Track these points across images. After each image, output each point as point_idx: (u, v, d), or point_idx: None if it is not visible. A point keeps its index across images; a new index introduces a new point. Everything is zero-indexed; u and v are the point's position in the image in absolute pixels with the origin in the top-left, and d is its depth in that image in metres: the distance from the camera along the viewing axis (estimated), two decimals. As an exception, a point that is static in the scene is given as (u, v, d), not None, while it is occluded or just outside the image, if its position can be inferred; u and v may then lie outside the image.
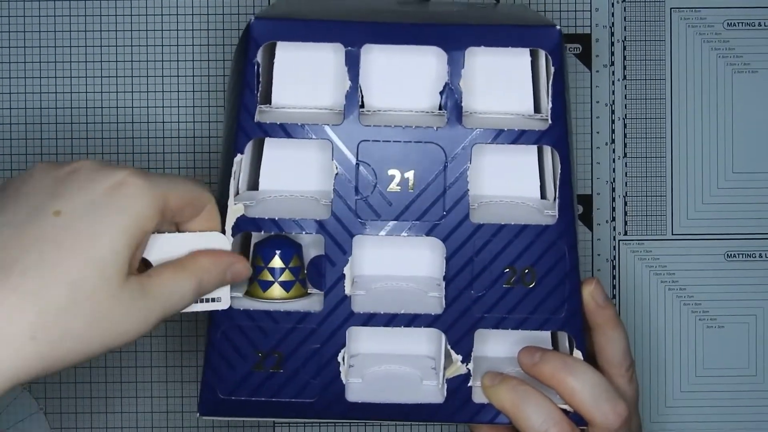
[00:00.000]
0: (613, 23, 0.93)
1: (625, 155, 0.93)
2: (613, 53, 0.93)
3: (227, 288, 0.72)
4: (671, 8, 0.93)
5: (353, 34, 0.74)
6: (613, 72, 0.93)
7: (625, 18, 0.93)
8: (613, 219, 0.94)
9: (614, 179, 0.93)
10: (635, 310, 0.94)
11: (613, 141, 0.93)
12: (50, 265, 0.62)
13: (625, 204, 0.94)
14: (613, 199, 0.94)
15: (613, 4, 0.93)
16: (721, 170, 0.93)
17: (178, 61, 0.92)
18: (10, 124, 0.92)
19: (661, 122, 0.93)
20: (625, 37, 0.93)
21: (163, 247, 0.69)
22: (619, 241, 0.94)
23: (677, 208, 0.94)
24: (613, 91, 0.93)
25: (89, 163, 0.66)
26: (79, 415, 0.93)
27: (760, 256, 0.94)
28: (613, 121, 0.93)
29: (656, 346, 0.94)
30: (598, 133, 0.93)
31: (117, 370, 0.93)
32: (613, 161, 0.93)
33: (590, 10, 0.93)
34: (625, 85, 0.93)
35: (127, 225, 0.64)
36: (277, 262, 0.77)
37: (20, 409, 0.93)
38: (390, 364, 0.79)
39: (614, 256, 0.94)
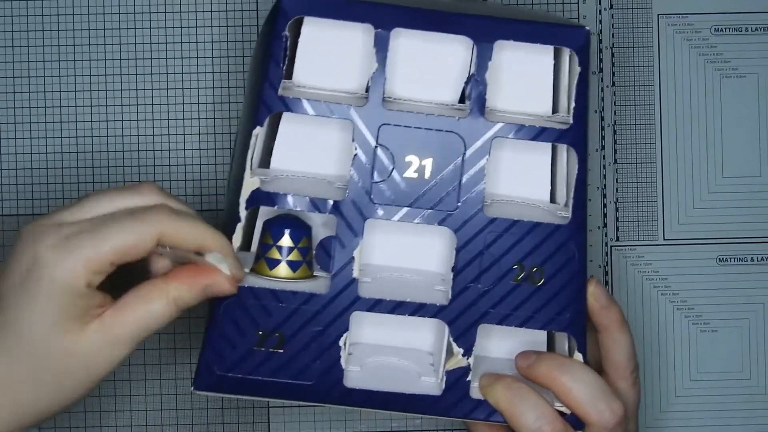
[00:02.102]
0: (601, 30, 0.94)
1: (615, 161, 0.94)
2: (601, 60, 0.94)
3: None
4: (658, 14, 0.94)
5: (384, 16, 0.74)
6: (602, 79, 0.94)
7: (612, 25, 0.94)
8: (605, 225, 0.94)
9: (605, 185, 0.94)
10: (628, 316, 0.93)
11: (603, 147, 0.94)
12: (12, 365, 0.68)
13: (617, 210, 0.94)
14: (605, 206, 0.94)
15: (600, 12, 0.94)
16: (711, 175, 0.94)
17: (186, 57, 0.92)
18: (14, 122, 0.92)
19: (650, 128, 0.94)
20: (613, 44, 0.94)
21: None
22: (611, 246, 0.94)
23: (668, 214, 0.94)
24: (603, 98, 0.94)
25: (19, 240, 0.69)
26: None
27: (752, 260, 0.94)
28: (602, 128, 0.94)
29: (650, 351, 0.94)
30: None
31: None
32: (604, 167, 0.94)
33: (578, 18, 0.94)
34: (614, 92, 0.94)
35: (49, 299, 0.67)
36: (286, 241, 0.77)
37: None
38: (389, 356, 0.79)
39: (606, 262, 0.94)
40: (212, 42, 0.92)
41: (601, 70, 0.94)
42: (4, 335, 0.68)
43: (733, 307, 0.94)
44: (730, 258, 0.94)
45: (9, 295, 0.68)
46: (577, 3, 0.93)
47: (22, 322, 0.67)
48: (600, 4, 0.93)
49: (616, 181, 0.94)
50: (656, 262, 0.94)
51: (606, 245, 0.94)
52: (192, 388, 0.76)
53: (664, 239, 0.94)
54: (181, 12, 0.92)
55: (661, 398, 0.94)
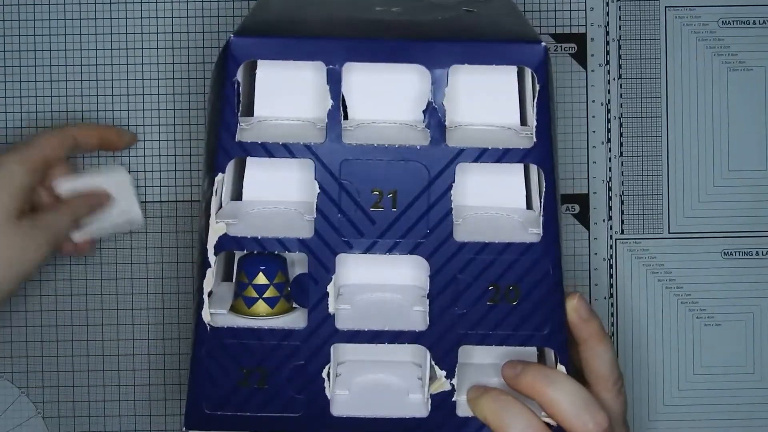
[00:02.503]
0: (608, 22, 0.93)
1: (621, 154, 0.94)
2: (608, 52, 0.93)
3: (133, 201, 0.87)
4: (666, 7, 0.93)
5: (334, 52, 0.73)
6: (609, 71, 0.93)
7: (620, 17, 0.93)
8: (610, 218, 0.94)
9: (611, 178, 0.94)
10: (632, 309, 0.94)
11: (609, 140, 0.94)
12: None
13: (622, 203, 0.94)
14: (610, 198, 0.94)
15: (607, 3, 0.93)
16: (717, 168, 0.94)
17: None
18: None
19: (657, 121, 0.93)
20: (620, 36, 0.93)
21: (73, 186, 0.86)
22: (615, 239, 0.94)
23: (674, 207, 0.94)
24: (609, 90, 0.93)
25: None
26: (77, 419, 0.93)
27: (757, 253, 0.94)
28: (609, 120, 0.93)
29: (653, 344, 0.94)
30: (594, 132, 0.93)
31: (115, 373, 0.93)
32: (610, 160, 0.94)
33: (585, 10, 0.93)
34: (621, 84, 0.93)
35: (4, 189, 0.81)
36: (261, 279, 0.77)
37: (18, 413, 0.93)
38: (376, 372, 0.79)
39: (611, 255, 0.94)
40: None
41: (607, 63, 0.93)
42: None
43: (738, 301, 0.94)
44: (735, 252, 0.94)
45: None
46: (584, -5, 0.93)
47: None
48: (607, -5, 0.93)
49: (622, 174, 0.93)
50: (661, 256, 0.94)
51: (611, 238, 0.94)
52: (183, 428, 0.77)
53: (670, 232, 0.94)
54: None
55: (664, 392, 0.94)
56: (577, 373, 0.78)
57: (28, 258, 0.82)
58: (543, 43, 0.73)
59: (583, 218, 0.94)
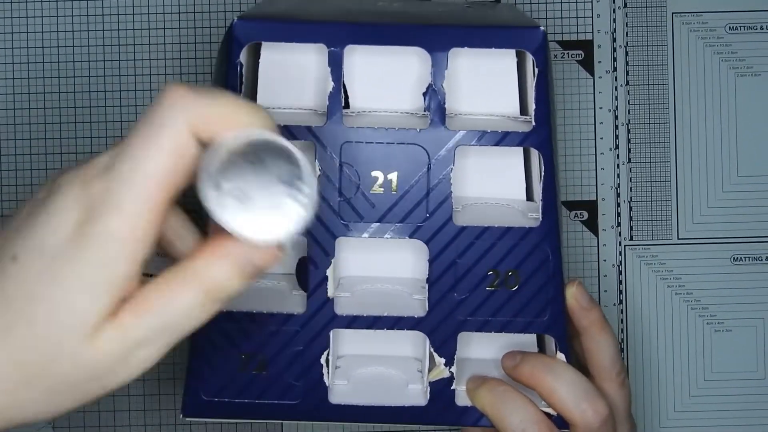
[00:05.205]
0: (614, 29, 0.93)
1: (629, 160, 0.93)
2: (615, 59, 0.94)
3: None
4: (673, 13, 0.93)
5: (336, 34, 0.74)
6: (616, 78, 0.94)
7: (626, 24, 0.94)
8: (619, 224, 0.94)
9: (619, 185, 0.93)
10: (642, 315, 0.94)
11: (617, 146, 0.93)
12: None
13: (631, 209, 0.94)
14: (618, 205, 0.94)
15: (614, 10, 0.93)
16: (726, 174, 0.93)
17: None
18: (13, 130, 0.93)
19: (664, 127, 0.93)
20: (627, 43, 0.94)
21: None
22: (624, 246, 0.93)
23: (683, 213, 0.93)
24: (616, 97, 0.93)
25: (65, 184, 0.52)
26: (88, 428, 0.93)
27: (767, 259, 0.93)
28: (616, 127, 0.93)
29: (663, 351, 0.94)
30: (602, 138, 0.93)
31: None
32: (618, 167, 0.93)
33: (592, 17, 0.93)
34: (628, 91, 0.94)
35: (96, 279, 0.52)
36: None
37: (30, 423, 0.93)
38: (376, 366, 0.79)
39: (620, 262, 0.94)
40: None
41: (615, 69, 0.93)
42: (13, 300, 0.53)
43: (748, 306, 0.93)
44: (745, 257, 0.93)
45: (36, 254, 0.52)
46: (591, 2, 0.93)
47: (41, 299, 0.52)
48: (614, 2, 0.93)
49: (630, 180, 0.93)
50: (670, 262, 0.93)
51: (620, 244, 0.93)
52: (181, 415, 0.77)
53: (678, 238, 0.93)
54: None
55: (675, 398, 0.93)
56: (579, 364, 0.78)
57: (108, 382, 0.56)
58: (542, 28, 0.74)
59: (592, 225, 0.94)
